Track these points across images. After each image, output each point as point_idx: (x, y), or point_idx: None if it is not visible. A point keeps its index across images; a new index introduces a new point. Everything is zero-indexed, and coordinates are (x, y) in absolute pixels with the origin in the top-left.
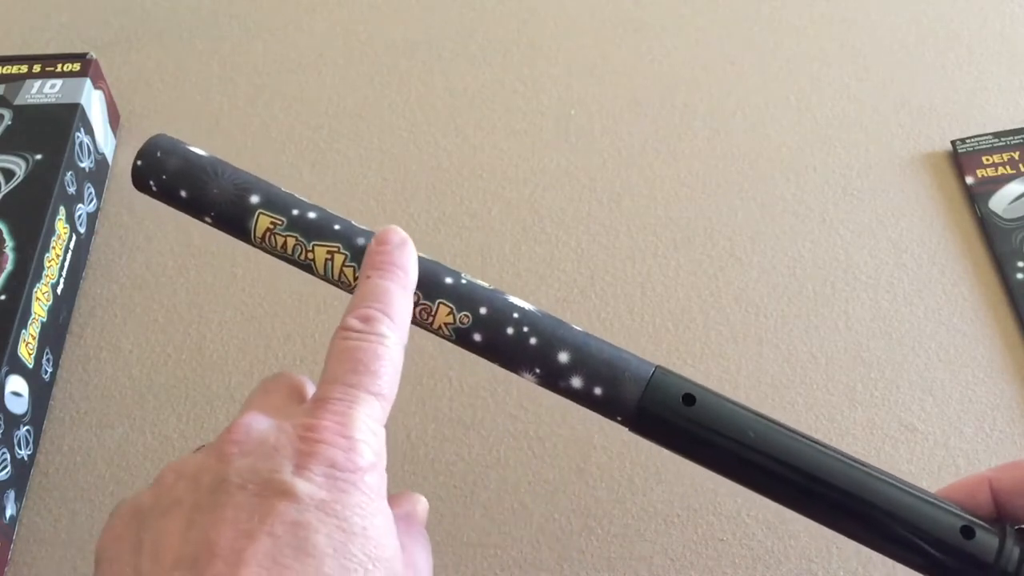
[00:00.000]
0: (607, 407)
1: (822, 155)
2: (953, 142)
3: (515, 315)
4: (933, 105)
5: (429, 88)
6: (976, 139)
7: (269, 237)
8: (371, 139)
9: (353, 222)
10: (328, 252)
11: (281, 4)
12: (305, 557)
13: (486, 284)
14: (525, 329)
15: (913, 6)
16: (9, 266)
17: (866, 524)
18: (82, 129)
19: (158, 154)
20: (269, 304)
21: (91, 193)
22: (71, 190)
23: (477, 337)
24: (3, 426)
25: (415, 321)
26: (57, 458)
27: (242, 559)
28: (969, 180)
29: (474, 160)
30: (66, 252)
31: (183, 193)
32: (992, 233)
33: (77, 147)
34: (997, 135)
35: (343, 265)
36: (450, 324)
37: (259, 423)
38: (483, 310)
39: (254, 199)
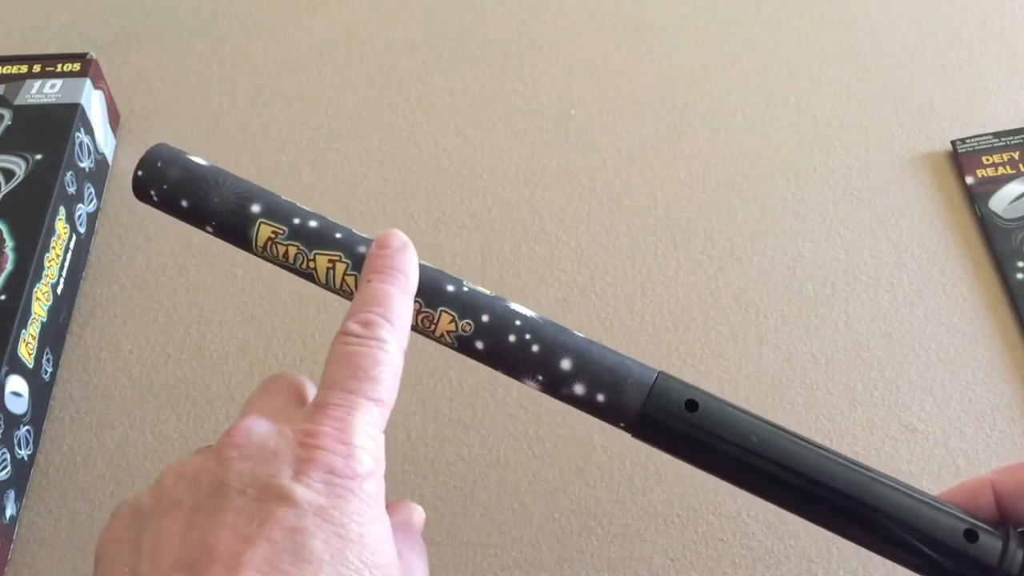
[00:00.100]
0: (610, 413)
1: (822, 155)
2: (953, 142)
3: (517, 322)
4: (933, 105)
5: (429, 88)
6: (976, 139)
7: (270, 246)
8: (371, 139)
9: (354, 230)
10: (330, 261)
11: (281, 4)
12: (302, 563)
13: (488, 291)
14: (527, 336)
15: (913, 6)
16: (9, 266)
17: (869, 528)
18: (82, 129)
19: (159, 164)
20: (269, 304)
21: (91, 193)
22: (71, 190)
23: (479, 345)
24: (3, 426)
25: (417, 329)
26: (57, 458)
27: (240, 563)
28: (969, 180)
29: (474, 160)
30: (66, 252)
31: (184, 203)
32: (992, 233)
33: (77, 147)
34: (997, 135)
35: (345, 274)
36: (452, 332)
37: (259, 427)
38: (485, 317)
39: (255, 208)
